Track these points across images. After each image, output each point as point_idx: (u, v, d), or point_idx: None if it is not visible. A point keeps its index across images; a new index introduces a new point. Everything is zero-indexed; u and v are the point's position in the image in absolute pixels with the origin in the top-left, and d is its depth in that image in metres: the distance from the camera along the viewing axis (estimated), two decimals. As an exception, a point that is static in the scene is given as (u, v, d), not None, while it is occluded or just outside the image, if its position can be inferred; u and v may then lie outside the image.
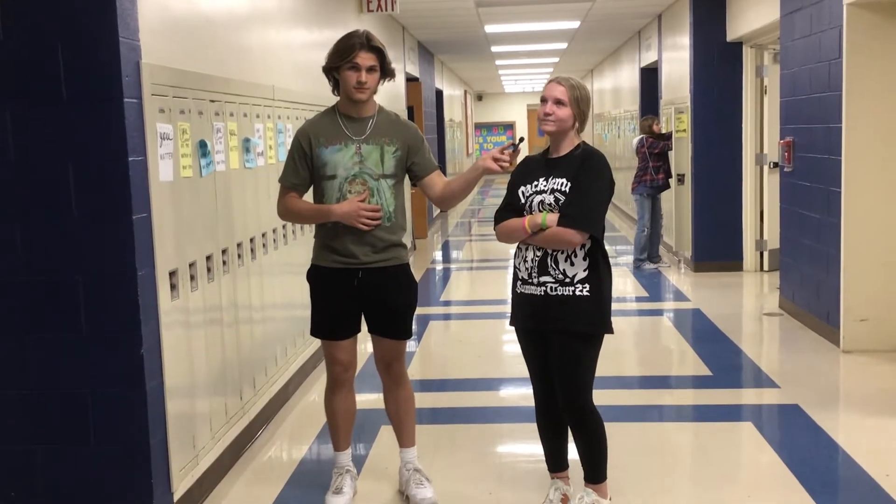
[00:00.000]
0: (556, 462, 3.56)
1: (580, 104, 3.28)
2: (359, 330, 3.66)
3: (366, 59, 3.45)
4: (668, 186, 9.48)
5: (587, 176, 3.25)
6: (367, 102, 3.53)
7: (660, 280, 9.01)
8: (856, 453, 4.09)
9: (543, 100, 3.31)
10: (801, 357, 5.84)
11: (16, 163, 3.19)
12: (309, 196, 3.66)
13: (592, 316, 3.28)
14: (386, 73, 3.54)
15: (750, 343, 6.49)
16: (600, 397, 3.45)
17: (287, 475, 4.06)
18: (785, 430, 4.58)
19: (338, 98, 3.60)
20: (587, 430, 3.38)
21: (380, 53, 3.49)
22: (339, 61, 3.46)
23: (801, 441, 4.32)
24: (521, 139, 3.48)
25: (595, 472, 3.42)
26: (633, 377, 5.60)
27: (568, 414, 3.38)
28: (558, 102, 3.27)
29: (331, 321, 3.61)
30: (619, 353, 5.92)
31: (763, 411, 4.96)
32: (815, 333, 6.30)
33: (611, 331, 3.35)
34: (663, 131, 9.90)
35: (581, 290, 3.26)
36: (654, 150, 9.30)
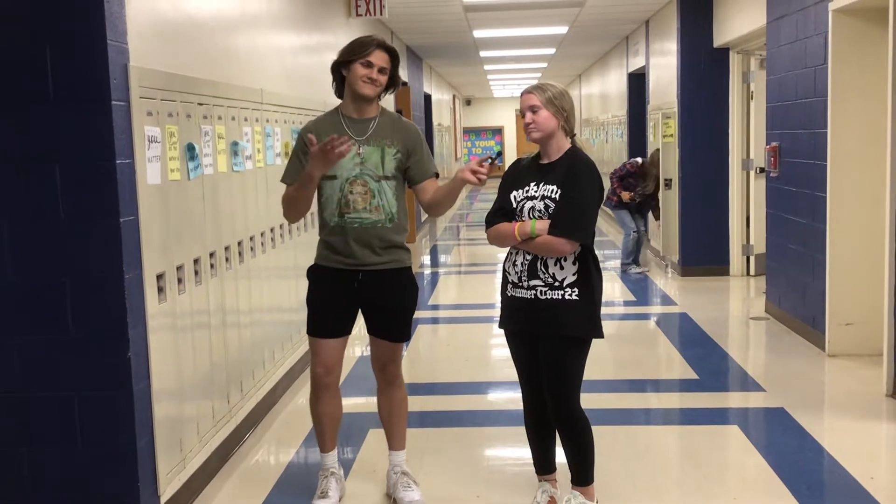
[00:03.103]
0: (544, 465, 3.57)
1: (555, 102, 3.30)
2: (349, 332, 3.66)
3: (380, 58, 3.46)
4: (635, 204, 9.63)
5: (574, 184, 3.26)
6: (370, 104, 3.54)
7: (647, 284, 9.04)
8: (841, 456, 4.12)
9: (522, 113, 3.35)
10: (787, 361, 5.87)
11: (2, 164, 3.18)
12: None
13: (581, 320, 3.29)
14: (395, 80, 3.55)
15: (736, 347, 6.53)
16: (587, 401, 3.46)
17: (274, 479, 4.06)
18: (771, 434, 4.61)
19: (340, 101, 3.61)
20: (575, 433, 3.39)
21: (394, 57, 3.51)
22: (352, 56, 3.47)
23: (786, 444, 4.34)
24: (500, 153, 3.50)
25: (582, 475, 3.44)
26: (620, 381, 5.61)
27: (556, 417, 3.39)
28: (533, 109, 3.30)
29: (326, 319, 3.61)
30: (606, 357, 5.94)
31: (749, 415, 4.99)
32: (801, 337, 6.34)
33: (601, 335, 3.36)
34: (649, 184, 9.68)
35: (570, 294, 3.27)
36: (628, 183, 9.42)
